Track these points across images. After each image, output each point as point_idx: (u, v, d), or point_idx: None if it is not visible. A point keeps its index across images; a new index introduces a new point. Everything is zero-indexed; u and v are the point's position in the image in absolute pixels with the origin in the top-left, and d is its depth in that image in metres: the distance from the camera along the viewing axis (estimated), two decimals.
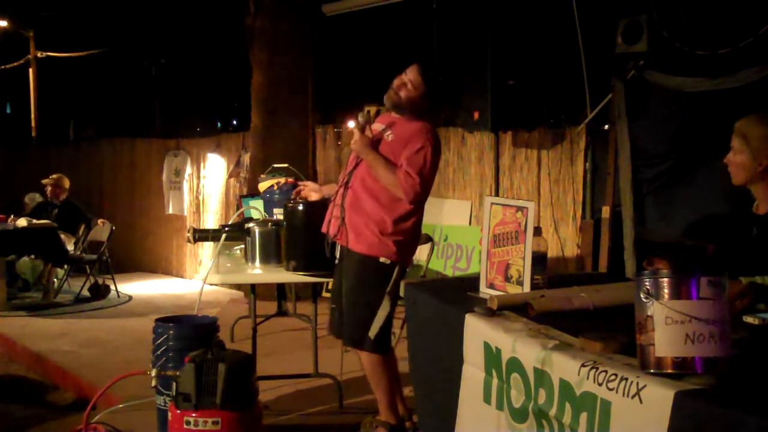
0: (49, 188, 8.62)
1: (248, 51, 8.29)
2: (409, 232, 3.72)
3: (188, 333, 3.76)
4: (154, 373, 3.40)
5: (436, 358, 2.84)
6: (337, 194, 3.82)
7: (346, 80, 12.94)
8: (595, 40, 5.75)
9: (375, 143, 3.73)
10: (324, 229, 3.86)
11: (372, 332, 3.62)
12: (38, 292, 8.15)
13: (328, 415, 4.35)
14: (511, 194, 6.43)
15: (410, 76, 3.73)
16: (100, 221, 8.55)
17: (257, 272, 4.26)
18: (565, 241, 6.10)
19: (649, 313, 1.74)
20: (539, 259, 2.72)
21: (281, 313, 4.76)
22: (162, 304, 7.91)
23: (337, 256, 3.85)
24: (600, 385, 1.84)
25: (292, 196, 4.28)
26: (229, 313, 6.77)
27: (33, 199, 8.63)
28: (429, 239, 5.71)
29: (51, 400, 5.22)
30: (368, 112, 3.88)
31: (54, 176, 8.69)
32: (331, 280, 3.99)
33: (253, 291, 4.62)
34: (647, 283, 1.75)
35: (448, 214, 6.84)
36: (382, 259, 3.67)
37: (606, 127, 5.91)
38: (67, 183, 8.66)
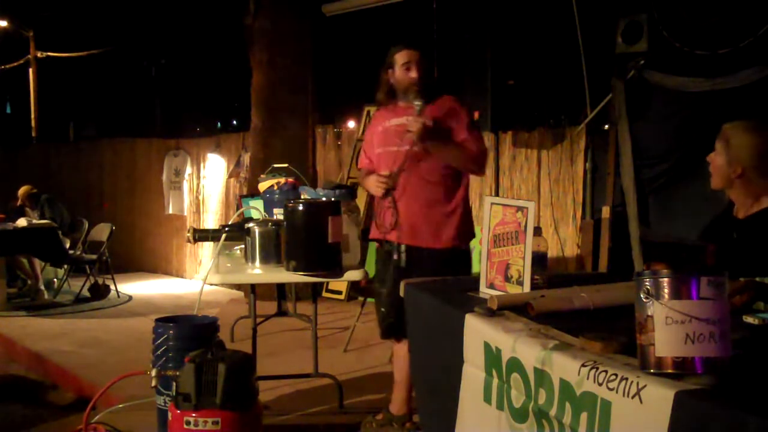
0: (27, 203, 8.77)
1: (248, 51, 8.29)
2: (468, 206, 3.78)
3: (188, 333, 3.75)
4: (154, 373, 3.40)
5: (436, 358, 2.84)
6: (388, 197, 3.64)
7: (346, 80, 12.94)
8: (595, 40, 5.75)
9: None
10: (378, 235, 3.78)
11: None
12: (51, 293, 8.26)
13: (328, 415, 4.35)
14: (511, 194, 6.43)
15: (406, 57, 3.61)
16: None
17: (257, 272, 4.25)
18: (565, 241, 6.10)
19: (649, 313, 1.74)
20: (539, 259, 2.72)
21: (281, 313, 4.75)
22: (162, 304, 7.91)
23: (396, 258, 3.70)
24: (600, 385, 1.83)
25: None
26: (229, 313, 6.76)
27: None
28: None
29: (51, 400, 5.22)
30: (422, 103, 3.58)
31: (20, 192, 8.89)
32: (331, 280, 3.97)
33: (253, 291, 4.62)
34: (647, 283, 1.75)
35: None
36: (464, 247, 3.70)
37: (606, 127, 5.91)
38: (33, 190, 8.90)
